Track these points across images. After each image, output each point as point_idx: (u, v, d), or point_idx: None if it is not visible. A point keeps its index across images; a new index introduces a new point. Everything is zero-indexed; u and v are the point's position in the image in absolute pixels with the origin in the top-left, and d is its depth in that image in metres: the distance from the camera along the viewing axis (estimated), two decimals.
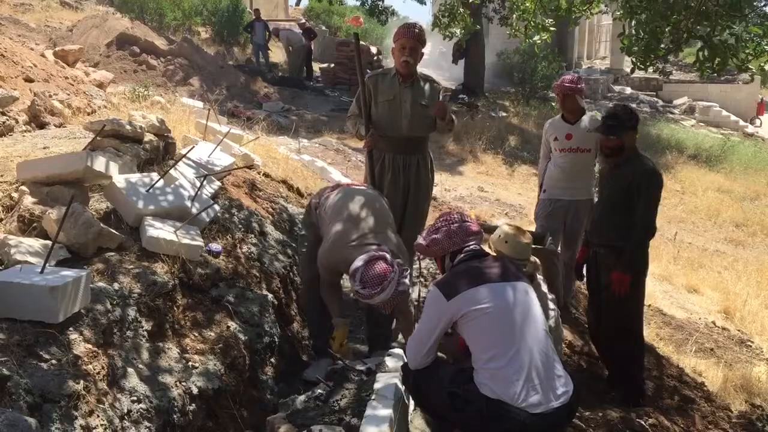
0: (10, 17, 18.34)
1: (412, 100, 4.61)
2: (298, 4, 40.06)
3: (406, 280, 3.48)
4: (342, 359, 3.68)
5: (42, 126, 5.80)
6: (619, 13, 5.65)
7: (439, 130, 4.71)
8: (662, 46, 5.15)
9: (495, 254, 3.16)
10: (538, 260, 4.06)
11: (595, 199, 5.38)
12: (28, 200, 3.43)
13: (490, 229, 3.79)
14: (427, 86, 4.71)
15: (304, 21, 22.14)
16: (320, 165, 8.91)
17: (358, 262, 3.40)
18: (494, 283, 2.86)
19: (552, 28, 6.24)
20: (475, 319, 2.78)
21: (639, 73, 23.47)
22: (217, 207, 4.34)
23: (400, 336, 4.43)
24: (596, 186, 5.44)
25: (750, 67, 5.45)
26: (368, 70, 4.90)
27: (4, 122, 5.23)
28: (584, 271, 4.87)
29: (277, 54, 21.80)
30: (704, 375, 5.61)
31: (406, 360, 3.15)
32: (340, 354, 3.73)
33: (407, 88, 4.61)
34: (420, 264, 5.48)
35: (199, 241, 3.76)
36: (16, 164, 3.75)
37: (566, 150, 5.26)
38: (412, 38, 4.52)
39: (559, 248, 5.50)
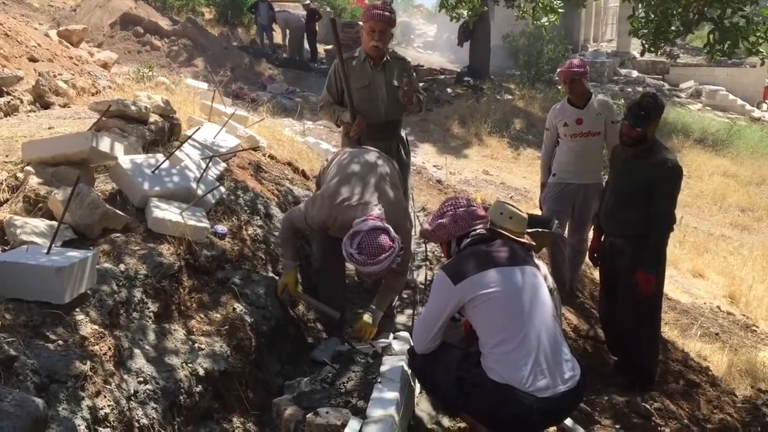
0: None
1: (386, 83, 4.55)
2: None
3: (399, 259, 3.50)
4: (349, 341, 3.69)
5: (47, 106, 5.78)
6: None
7: (408, 110, 4.69)
8: (672, 28, 5.09)
9: (501, 232, 3.11)
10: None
11: (604, 183, 5.35)
12: (34, 180, 3.42)
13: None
14: (398, 65, 4.66)
15: (308, 2, 21.96)
16: (325, 147, 8.88)
17: (362, 226, 3.39)
18: (502, 267, 2.84)
19: (560, 10, 6.17)
20: (482, 303, 2.77)
21: (646, 57, 23.30)
22: (222, 189, 4.32)
23: (405, 318, 4.45)
24: (605, 171, 5.42)
25: (761, 50, 5.39)
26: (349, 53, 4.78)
27: (8, 102, 5.21)
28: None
29: (281, 36, 21.66)
30: (709, 359, 5.61)
31: (412, 343, 3.14)
32: (287, 296, 3.93)
33: (379, 72, 4.55)
34: (426, 247, 5.47)
35: (205, 223, 3.75)
36: (21, 144, 3.73)
37: (578, 135, 5.22)
38: (381, 21, 4.42)
39: (566, 232, 5.48)
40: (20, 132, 4.51)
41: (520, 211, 3.21)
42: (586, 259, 5.40)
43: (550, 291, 2.98)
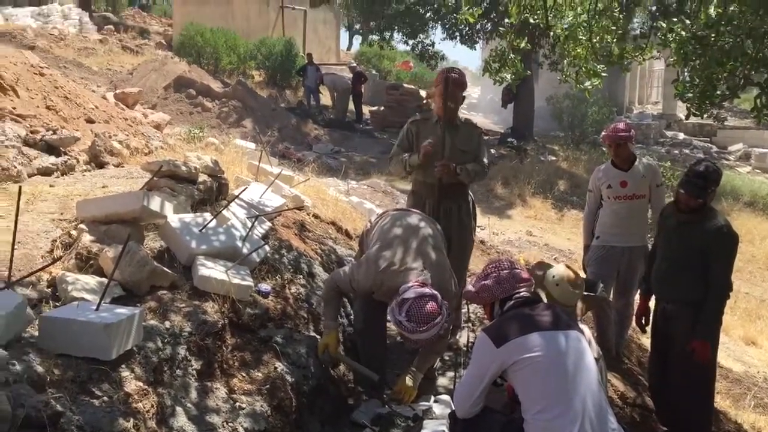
0: (74, 61, 19.16)
1: (451, 146, 4.63)
2: (349, 48, 40.97)
3: (448, 325, 3.51)
4: (389, 404, 3.65)
5: (101, 165, 5.99)
6: (672, 59, 5.60)
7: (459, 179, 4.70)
8: (718, 92, 5.08)
9: (542, 292, 3.09)
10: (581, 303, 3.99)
11: (649, 246, 5.27)
12: (87, 238, 3.52)
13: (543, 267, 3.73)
14: (466, 131, 4.76)
15: (355, 65, 22.52)
16: (368, 207, 8.95)
17: (409, 293, 3.39)
18: (545, 331, 2.80)
19: (604, 74, 6.21)
20: (525, 367, 2.73)
21: (693, 119, 23.16)
22: (267, 248, 4.38)
23: (446, 381, 4.40)
24: (651, 233, 5.35)
25: None
26: (417, 114, 4.96)
27: (65, 162, 5.42)
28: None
29: (328, 97, 22.18)
30: (764, 431, 5.38)
31: (453, 407, 3.10)
32: (327, 357, 3.87)
33: (448, 135, 4.64)
34: (468, 309, 5.42)
35: (249, 281, 3.80)
36: (75, 203, 3.87)
37: (622, 197, 5.18)
38: (453, 84, 4.58)
39: (611, 296, 5.38)
40: (75, 191, 4.67)
41: (574, 285, 3.16)
42: (633, 323, 5.29)
43: (596, 358, 2.93)
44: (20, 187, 2.96)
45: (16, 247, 2.81)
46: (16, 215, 2.71)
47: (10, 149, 4.92)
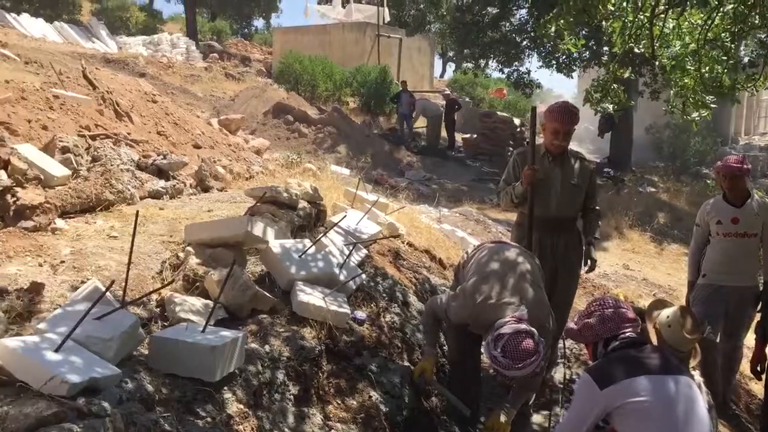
0: (181, 87, 20.13)
1: (562, 179, 4.54)
2: (442, 75, 41.20)
3: (545, 363, 3.43)
4: None
5: (206, 189, 6.23)
6: None
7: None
8: None
9: (654, 330, 2.97)
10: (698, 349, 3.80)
11: (761, 287, 5.00)
12: (193, 261, 3.65)
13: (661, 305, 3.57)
14: (577, 164, 4.66)
15: (449, 92, 22.57)
16: (460, 235, 8.89)
17: (506, 328, 3.33)
18: (654, 375, 2.68)
19: (713, 105, 5.95)
20: (631, 412, 2.61)
21: None
22: (363, 275, 4.41)
23: (541, 418, 4.28)
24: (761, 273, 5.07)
25: None
26: (511, 142, 4.90)
27: (174, 185, 5.66)
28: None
29: (421, 124, 22.31)
30: None
31: None
32: (422, 381, 3.84)
33: (557, 167, 4.56)
34: (564, 344, 5.27)
35: (346, 309, 3.83)
36: (184, 226, 4.03)
37: (732, 234, 4.93)
38: (568, 124, 4.50)
39: (719, 338, 5.12)
40: (183, 214, 4.86)
41: (687, 330, 3.03)
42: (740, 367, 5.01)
43: (707, 408, 2.77)
44: (137, 212, 3.12)
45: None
46: (133, 238, 2.84)
47: (125, 173, 5.18)
